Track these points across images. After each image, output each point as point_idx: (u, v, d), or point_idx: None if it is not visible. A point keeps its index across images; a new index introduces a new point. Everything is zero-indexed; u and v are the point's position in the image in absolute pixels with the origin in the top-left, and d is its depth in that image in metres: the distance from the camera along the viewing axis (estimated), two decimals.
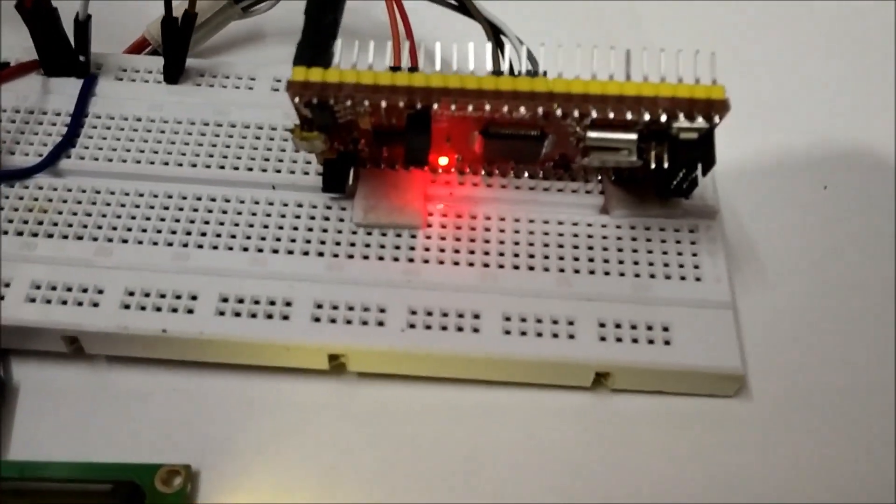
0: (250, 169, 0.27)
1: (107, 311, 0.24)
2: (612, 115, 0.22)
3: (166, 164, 0.27)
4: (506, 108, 0.22)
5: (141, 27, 0.31)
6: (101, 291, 0.24)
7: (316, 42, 0.23)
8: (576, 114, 0.22)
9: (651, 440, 0.24)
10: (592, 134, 0.23)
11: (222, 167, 0.27)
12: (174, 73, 0.29)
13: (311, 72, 0.22)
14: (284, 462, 0.23)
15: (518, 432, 0.24)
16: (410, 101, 0.22)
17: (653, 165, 0.24)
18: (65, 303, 0.24)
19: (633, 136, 0.23)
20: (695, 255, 0.26)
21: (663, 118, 0.22)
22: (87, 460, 0.23)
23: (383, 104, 0.22)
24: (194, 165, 0.27)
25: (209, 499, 0.23)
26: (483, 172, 0.27)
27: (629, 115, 0.22)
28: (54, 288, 0.24)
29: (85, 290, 0.24)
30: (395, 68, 0.23)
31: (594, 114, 0.22)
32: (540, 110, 0.22)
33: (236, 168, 0.27)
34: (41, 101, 0.28)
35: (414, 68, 0.23)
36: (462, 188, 0.27)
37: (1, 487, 0.22)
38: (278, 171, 0.27)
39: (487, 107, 0.22)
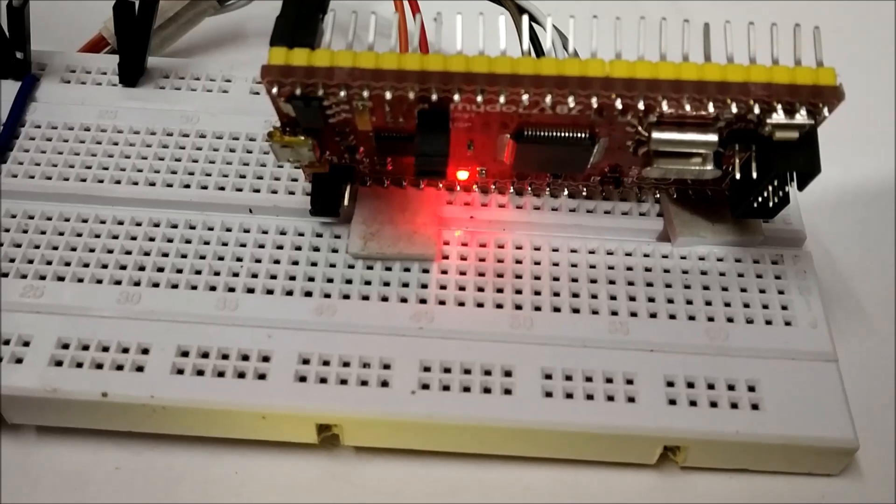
0: (222, 188, 0.22)
1: (33, 368, 0.18)
2: (688, 109, 0.17)
3: (118, 182, 0.22)
4: (548, 100, 0.17)
5: (98, 24, 0.26)
6: (26, 343, 0.19)
7: (299, 16, 0.17)
8: (640, 107, 0.17)
9: None
10: (659, 135, 0.18)
11: (187, 186, 0.22)
12: (132, 74, 0.24)
13: (293, 54, 0.17)
14: None
15: None
16: (424, 90, 0.17)
17: (737, 176, 0.18)
18: None
19: (713, 138, 0.18)
20: (781, 292, 0.20)
21: (756, 111, 0.17)
22: None
23: (388, 96, 0.17)
24: (152, 184, 0.22)
25: None
26: (512, 190, 0.21)
27: (710, 109, 0.17)
28: None
29: (6, 342, 0.19)
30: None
31: (665, 107, 0.17)
32: (594, 102, 0.17)
33: (204, 187, 0.22)
34: None
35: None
36: (486, 210, 0.21)
37: None
38: (257, 191, 0.22)
39: (525, 98, 0.17)
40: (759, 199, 0.19)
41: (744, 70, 0.17)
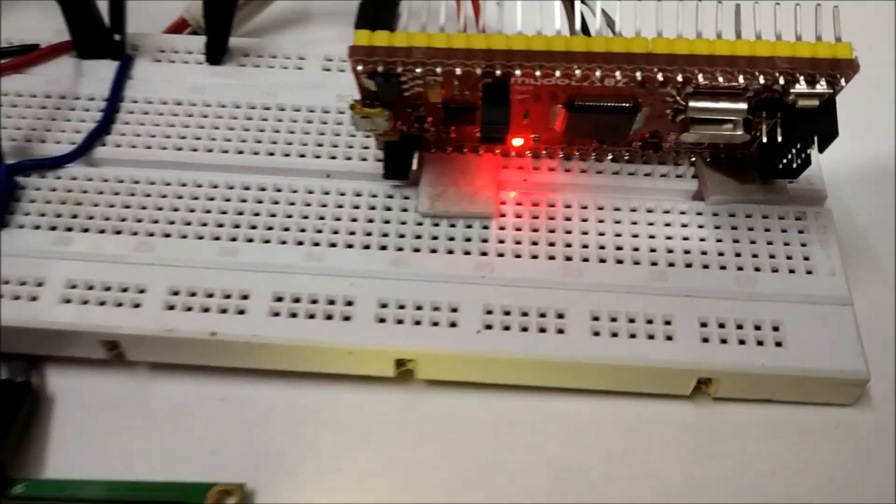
0: (302, 156, 0.24)
1: (149, 312, 0.21)
2: (720, 81, 0.19)
3: (210, 150, 0.24)
4: (598, 74, 0.19)
5: (178, 8, 0.29)
6: (142, 291, 0.22)
7: (379, 1, 0.20)
8: (679, 79, 0.19)
9: (758, 455, 0.21)
10: (696, 104, 0.20)
11: (271, 154, 0.24)
12: (217, 53, 0.26)
13: (376, 35, 0.20)
14: (346, 480, 0.21)
15: (608, 447, 0.21)
16: (490, 66, 0.20)
17: (764, 140, 0.21)
18: (103, 303, 0.21)
19: (743, 106, 0.20)
20: (804, 245, 0.23)
21: (781, 82, 0.19)
22: (130, 479, 0.20)
23: (458, 71, 0.20)
24: (241, 152, 0.24)
25: None
26: (561, 155, 0.24)
27: (740, 81, 0.19)
28: (92, 287, 0.22)
29: (125, 290, 0.22)
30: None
31: (700, 79, 0.19)
32: (638, 76, 0.19)
33: (287, 155, 0.24)
34: (74, 85, 0.26)
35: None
36: (538, 173, 0.24)
37: None
38: (333, 158, 0.24)
39: (578, 72, 0.19)
40: (784, 161, 0.22)
41: (770, 45, 0.19)
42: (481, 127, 0.21)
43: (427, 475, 0.21)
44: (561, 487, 0.21)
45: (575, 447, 0.21)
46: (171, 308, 0.21)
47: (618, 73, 0.19)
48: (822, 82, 0.19)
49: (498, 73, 0.20)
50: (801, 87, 0.19)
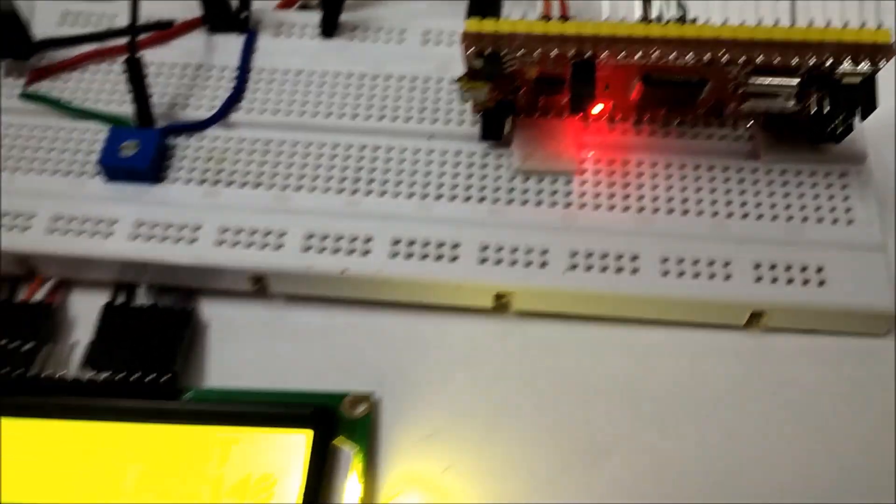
0: (408, 120, 0.28)
1: (290, 252, 0.25)
2: (776, 61, 0.23)
3: (329, 115, 0.28)
4: (672, 56, 0.23)
5: None
6: (283, 234, 0.26)
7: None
8: (741, 60, 0.23)
9: (801, 376, 0.25)
10: (755, 80, 0.24)
11: (382, 118, 0.28)
12: (330, 28, 0.30)
13: (484, 23, 0.23)
14: (453, 392, 0.25)
15: (674, 369, 0.25)
16: (580, 50, 0.23)
17: (813, 110, 0.24)
18: (251, 245, 0.26)
19: (795, 82, 0.24)
20: (846, 199, 0.26)
21: (829, 63, 0.23)
22: (277, 389, 0.25)
23: (552, 53, 0.23)
24: (355, 117, 0.28)
25: (389, 424, 0.24)
26: (634, 119, 0.28)
27: (794, 61, 0.23)
28: (240, 232, 0.26)
29: (268, 234, 0.26)
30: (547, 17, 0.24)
31: (759, 60, 0.23)
32: (706, 57, 0.23)
33: (395, 119, 0.28)
34: (207, 57, 0.30)
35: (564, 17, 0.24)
36: (614, 135, 0.27)
37: (205, 411, 0.24)
38: (435, 122, 0.28)
39: (654, 55, 0.23)
40: (830, 128, 0.25)
41: (820, 31, 0.23)
42: (570, 98, 0.25)
43: (518, 389, 0.25)
44: (628, 401, 0.25)
45: (644, 368, 0.25)
46: (308, 249, 0.26)
47: (689, 56, 0.23)
48: (865, 63, 0.23)
49: (587, 55, 0.23)
50: (846, 66, 0.23)
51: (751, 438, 0.24)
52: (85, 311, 0.26)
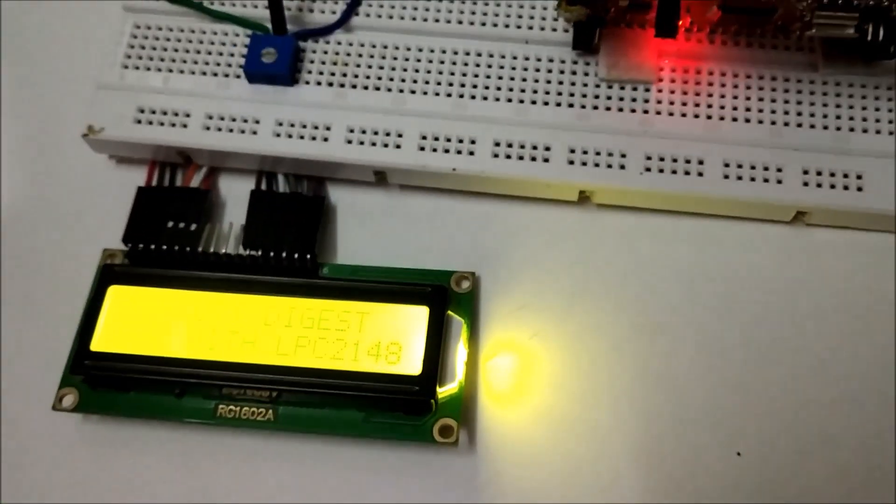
0: (507, 26, 0.32)
1: (408, 151, 0.30)
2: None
3: (437, 21, 0.32)
4: None
5: None
6: (400, 135, 0.30)
7: None
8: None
9: (838, 266, 0.30)
10: (820, 12, 0.27)
11: (484, 24, 0.32)
12: None
13: None
14: (540, 272, 0.30)
15: (726, 256, 0.30)
16: None
17: (869, 38, 0.28)
18: (374, 144, 0.30)
19: (856, 16, 0.27)
20: (891, 110, 0.30)
21: (885, 3, 0.26)
22: (396, 266, 0.30)
23: None
24: (460, 22, 0.32)
25: (487, 298, 0.30)
26: (709, 31, 0.31)
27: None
28: (364, 132, 0.30)
29: (388, 134, 0.30)
30: None
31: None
32: None
33: (495, 25, 0.32)
34: None
35: None
36: (690, 45, 0.31)
37: (339, 286, 0.29)
38: (530, 28, 0.32)
39: None
40: (884, 48, 0.29)
41: None
42: (657, 24, 0.28)
43: (594, 271, 0.30)
44: (691, 281, 0.30)
45: (705, 254, 0.30)
46: (422, 149, 0.30)
47: None
48: None
49: None
50: None
51: (789, 319, 0.29)
52: (233, 195, 0.32)
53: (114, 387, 0.29)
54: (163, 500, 0.28)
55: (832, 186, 0.29)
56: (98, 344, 0.28)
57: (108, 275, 0.29)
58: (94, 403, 0.29)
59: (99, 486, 0.28)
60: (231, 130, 0.31)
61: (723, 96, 0.30)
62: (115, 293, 0.29)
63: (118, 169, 0.33)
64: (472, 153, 0.30)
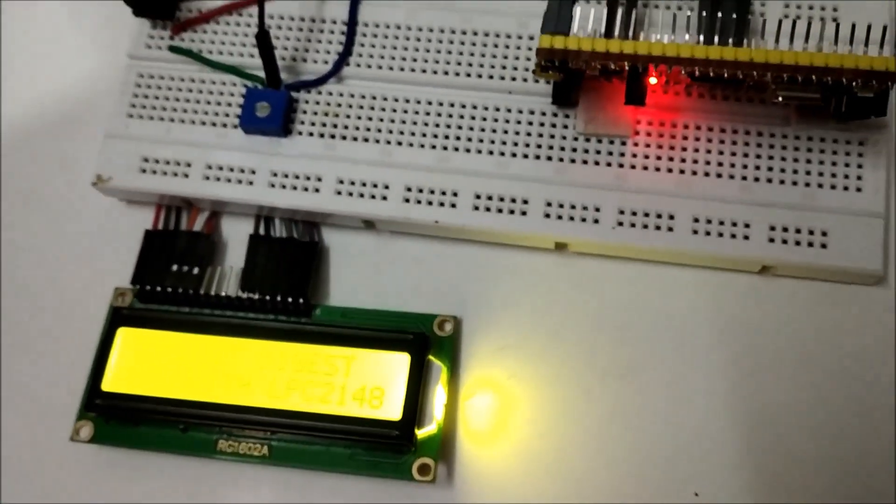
0: (491, 77, 0.33)
1: (393, 203, 0.32)
2: (801, 79, 0.27)
3: (423, 71, 0.33)
4: (711, 73, 0.27)
5: None
6: (387, 187, 0.32)
7: (560, 10, 0.28)
8: (771, 77, 0.27)
9: (802, 315, 0.31)
10: (783, 93, 0.28)
11: (469, 75, 0.33)
12: None
13: (555, 39, 0.28)
14: (520, 314, 0.32)
15: (696, 302, 0.32)
16: (635, 64, 0.28)
17: (832, 110, 0.29)
18: (362, 196, 0.32)
19: (818, 95, 0.28)
20: (860, 166, 0.31)
21: (844, 82, 0.27)
22: (383, 308, 0.32)
23: (611, 66, 0.28)
24: (446, 73, 0.33)
25: (467, 339, 0.32)
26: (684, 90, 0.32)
27: (814, 78, 0.27)
28: (353, 183, 0.32)
29: (375, 186, 0.32)
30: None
31: (785, 78, 0.27)
32: (740, 74, 0.27)
33: (480, 76, 0.33)
34: (319, 10, 0.35)
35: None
36: (668, 97, 0.32)
37: (328, 332, 0.31)
38: (514, 79, 0.33)
39: (697, 72, 0.28)
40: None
41: (839, 58, 0.27)
42: (626, 94, 0.29)
43: (570, 314, 0.32)
44: (661, 330, 0.32)
45: (675, 300, 0.32)
46: (407, 201, 0.32)
47: (726, 72, 0.27)
48: (874, 83, 0.27)
49: (641, 69, 0.28)
50: (861, 87, 0.27)
51: (756, 363, 0.31)
52: (234, 237, 0.34)
53: (125, 421, 0.31)
54: None
55: (797, 243, 0.30)
56: (108, 384, 0.31)
57: (117, 318, 0.32)
58: (107, 435, 0.31)
59: None
60: (229, 181, 0.33)
61: (696, 150, 0.32)
62: (124, 335, 0.32)
63: (129, 209, 0.35)
64: (454, 205, 0.32)
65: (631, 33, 0.29)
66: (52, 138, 0.37)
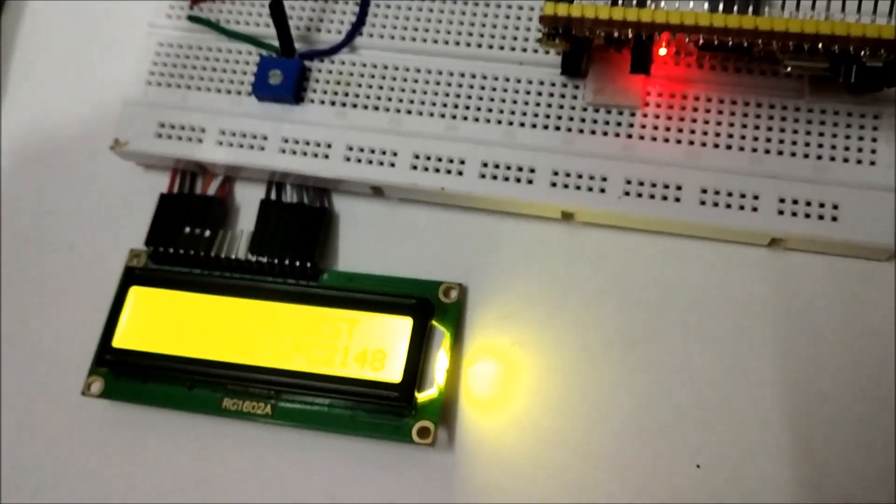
0: (502, 48, 0.33)
1: (401, 170, 0.32)
2: (808, 48, 0.27)
3: (435, 42, 0.34)
4: (716, 42, 0.27)
5: None
6: (395, 154, 0.32)
7: None
8: (777, 46, 0.27)
9: (812, 290, 0.31)
10: (790, 62, 0.28)
11: (479, 45, 0.33)
12: None
13: (558, 7, 0.28)
14: (525, 282, 0.32)
15: (703, 275, 0.31)
16: (638, 32, 0.28)
17: (841, 80, 0.28)
18: (370, 162, 0.32)
19: (826, 65, 0.27)
20: (874, 140, 0.30)
21: (852, 50, 0.27)
22: (390, 274, 0.33)
23: (615, 34, 0.28)
24: (457, 44, 0.33)
25: (472, 306, 0.32)
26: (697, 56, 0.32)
27: (821, 46, 0.27)
28: (362, 150, 0.33)
29: (384, 153, 0.32)
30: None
31: (792, 47, 0.27)
32: (745, 43, 0.27)
33: (491, 47, 0.33)
34: None
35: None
36: (679, 69, 0.32)
37: (333, 295, 0.32)
38: (524, 50, 0.33)
39: (701, 40, 0.27)
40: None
41: (846, 26, 0.26)
42: (631, 62, 0.29)
43: (575, 283, 0.32)
44: (665, 302, 0.31)
45: (682, 273, 0.32)
46: (415, 168, 0.32)
47: (730, 40, 0.27)
48: (882, 52, 0.26)
49: (645, 37, 0.28)
50: (868, 56, 0.26)
51: (763, 337, 0.30)
52: (247, 201, 0.34)
53: (134, 377, 0.32)
54: (173, 477, 0.31)
55: (807, 216, 0.30)
56: (119, 341, 0.32)
57: (130, 277, 0.33)
58: (117, 391, 0.32)
59: (119, 461, 0.32)
60: (241, 146, 0.33)
61: (706, 122, 0.31)
62: (135, 294, 0.33)
63: (146, 174, 0.36)
64: (460, 173, 0.32)
65: (636, 1, 0.29)
66: (73, 103, 0.37)
